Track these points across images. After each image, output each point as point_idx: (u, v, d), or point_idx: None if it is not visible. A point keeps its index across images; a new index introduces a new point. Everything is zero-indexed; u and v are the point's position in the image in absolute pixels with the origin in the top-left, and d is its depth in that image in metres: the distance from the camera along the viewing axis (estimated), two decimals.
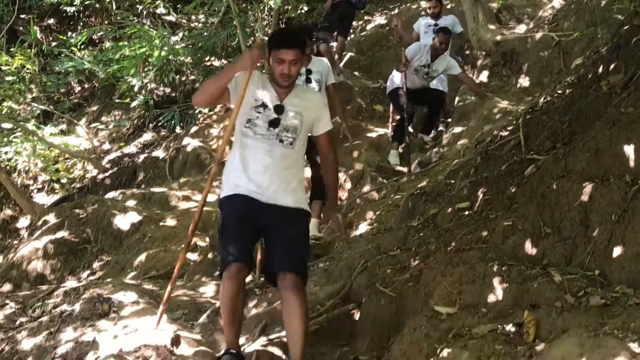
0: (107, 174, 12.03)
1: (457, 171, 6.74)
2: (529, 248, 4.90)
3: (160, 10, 15.52)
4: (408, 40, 10.94)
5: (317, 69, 7.38)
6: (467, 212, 5.77)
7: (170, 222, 8.58)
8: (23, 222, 11.12)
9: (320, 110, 4.77)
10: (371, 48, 13.47)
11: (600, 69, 5.90)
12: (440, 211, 6.09)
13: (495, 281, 4.74)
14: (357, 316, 5.50)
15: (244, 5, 15.28)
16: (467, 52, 12.34)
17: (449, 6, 13.70)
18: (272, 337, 5.50)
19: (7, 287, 7.74)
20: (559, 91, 6.41)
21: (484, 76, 11.09)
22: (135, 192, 10.06)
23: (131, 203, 9.32)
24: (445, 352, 4.28)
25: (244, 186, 4.43)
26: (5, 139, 11.98)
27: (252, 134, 4.47)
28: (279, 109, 4.52)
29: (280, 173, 4.51)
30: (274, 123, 4.47)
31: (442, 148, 9.49)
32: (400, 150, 9.52)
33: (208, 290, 6.73)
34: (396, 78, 9.90)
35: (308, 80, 7.27)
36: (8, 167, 11.81)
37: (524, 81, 10.64)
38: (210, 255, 7.29)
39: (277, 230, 4.44)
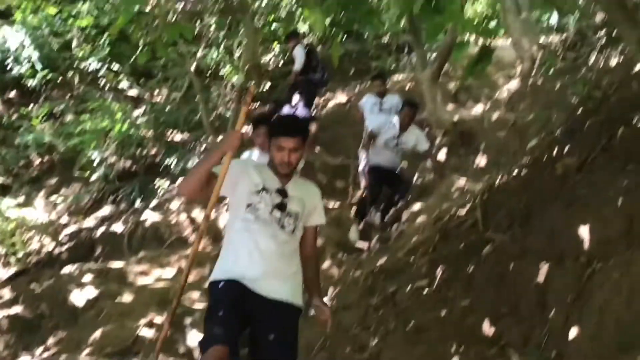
0: (64, 248, 11.84)
1: (416, 248, 6.76)
2: (487, 328, 4.92)
3: (123, 84, 15.56)
4: (358, 118, 11.14)
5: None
6: (426, 291, 5.79)
7: (128, 297, 8.46)
8: None
9: (318, 201, 4.54)
10: (332, 125, 13.60)
11: (555, 151, 6.03)
12: (399, 289, 6.10)
13: None
14: None
15: (207, 81, 15.39)
16: (426, 130, 12.52)
17: (408, 86, 13.95)
18: None
19: None
20: (516, 172, 6.51)
21: (442, 154, 11.23)
22: (93, 267, 9.92)
23: (88, 278, 9.18)
24: None
25: (240, 272, 4.15)
26: None
27: (253, 219, 4.20)
28: (282, 193, 4.30)
29: (282, 260, 4.25)
30: (280, 207, 4.25)
31: (402, 224, 9.51)
32: (361, 227, 9.49)
33: None
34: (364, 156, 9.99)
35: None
36: None
37: (481, 160, 10.78)
38: (169, 333, 7.19)
39: (267, 324, 4.12)
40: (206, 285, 4.87)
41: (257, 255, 4.15)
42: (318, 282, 4.52)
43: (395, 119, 9.46)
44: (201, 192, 4.18)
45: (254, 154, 7.26)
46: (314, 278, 4.50)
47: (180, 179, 4.95)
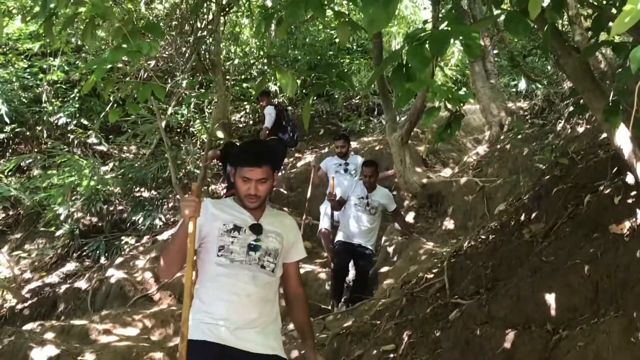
0: (26, 304, 11.68)
1: (382, 312, 6.74)
2: None
3: (92, 140, 15.54)
4: (317, 181, 11.18)
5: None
6: (392, 355, 5.75)
7: (89, 357, 8.29)
8: None
9: (296, 234, 4.18)
10: (301, 185, 13.64)
11: (522, 217, 6.08)
12: (365, 352, 6.05)
13: None
14: None
15: (176, 138, 15.43)
16: (394, 193, 12.57)
17: (377, 147, 14.05)
18: None
19: None
20: (483, 236, 6.55)
21: (410, 217, 11.26)
22: (55, 324, 9.75)
23: (49, 335, 9.01)
24: None
25: (219, 329, 3.73)
26: None
27: (228, 262, 3.79)
28: (257, 229, 3.90)
29: (264, 305, 3.87)
30: (253, 247, 3.84)
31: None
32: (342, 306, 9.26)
33: None
34: (324, 222, 10.00)
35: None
36: None
37: (449, 224, 10.83)
38: None
39: None
40: (170, 344, 4.80)
41: (237, 303, 3.77)
42: (311, 327, 4.16)
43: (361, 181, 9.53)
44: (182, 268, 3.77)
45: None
46: (306, 320, 4.15)
47: (158, 264, 4.53)
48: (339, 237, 9.59)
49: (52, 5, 4.81)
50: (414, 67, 3.62)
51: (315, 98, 15.68)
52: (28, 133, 15.33)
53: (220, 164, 13.74)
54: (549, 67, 14.61)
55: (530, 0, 3.27)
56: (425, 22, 7.20)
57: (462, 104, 4.95)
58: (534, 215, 5.91)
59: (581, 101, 6.77)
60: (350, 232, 9.39)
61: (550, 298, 4.77)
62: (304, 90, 14.27)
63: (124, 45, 4.48)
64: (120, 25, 4.51)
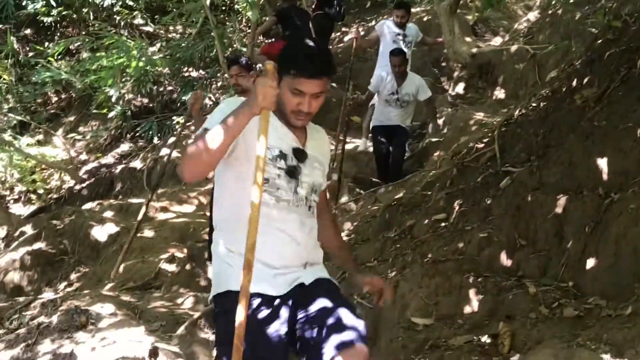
0: (84, 185, 11.94)
1: (433, 183, 6.76)
2: (504, 260, 4.94)
3: (138, 21, 15.49)
4: (365, 45, 10.95)
5: None
6: (443, 224, 5.81)
7: (148, 233, 8.54)
8: None
9: (329, 157, 3.43)
10: (347, 59, 13.49)
11: (574, 83, 5.97)
12: (416, 222, 6.12)
13: (471, 293, 4.79)
14: None
15: (222, 16, 15.28)
16: (444, 63, 12.41)
17: (425, 18, 13.78)
18: None
19: None
20: (534, 104, 6.47)
21: (460, 88, 11.17)
22: (113, 203, 10.01)
23: (108, 214, 9.27)
24: None
25: (263, 280, 2.92)
26: None
27: (273, 201, 2.95)
28: (301, 155, 3.06)
29: (313, 253, 3.15)
30: (299, 181, 3.02)
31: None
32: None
33: (186, 302, 6.71)
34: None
35: None
36: None
37: (500, 93, 10.72)
38: (188, 267, 7.27)
39: (317, 310, 2.93)
40: None
41: (284, 252, 3.01)
42: (349, 248, 3.65)
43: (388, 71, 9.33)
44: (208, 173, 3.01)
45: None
46: (345, 243, 3.53)
47: (184, 157, 2.95)
48: (374, 122, 9.56)
49: None
50: None
51: None
52: (75, 16, 15.29)
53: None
54: None
55: None
56: None
57: None
58: (586, 80, 5.80)
59: None
60: (384, 118, 9.35)
61: (602, 162, 4.76)
62: None
63: None
64: None
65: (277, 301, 2.95)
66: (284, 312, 2.95)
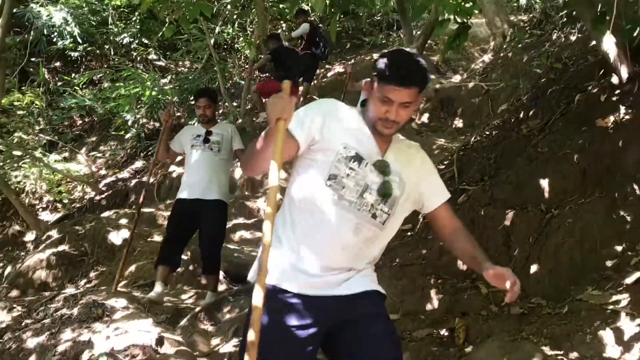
0: (103, 196, 11.86)
1: None
2: (460, 265, 4.94)
3: (152, 56, 15.47)
4: (350, 87, 10.86)
5: (219, 132, 6.12)
6: (409, 233, 5.80)
7: (157, 238, 8.47)
8: (29, 236, 10.90)
9: (431, 174, 2.81)
10: (331, 92, 13.51)
11: (521, 115, 6.02)
12: None
13: (432, 292, 4.79)
14: None
15: (224, 54, 15.28)
16: None
17: None
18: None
19: (14, 293, 7.57)
20: (487, 132, 6.50)
21: (425, 118, 11.19)
22: (127, 212, 9.92)
23: (123, 221, 9.19)
24: None
25: (298, 275, 2.52)
26: (16, 165, 11.86)
27: (335, 198, 2.52)
28: (383, 168, 2.59)
29: (358, 261, 2.61)
30: (370, 189, 2.54)
31: None
32: None
33: (188, 297, 6.69)
34: None
35: (206, 141, 6.04)
36: (17, 189, 11.61)
37: (459, 123, 10.77)
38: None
39: (362, 326, 2.53)
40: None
41: (331, 251, 2.53)
42: (482, 249, 2.71)
43: None
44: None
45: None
46: (474, 245, 2.71)
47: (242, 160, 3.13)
48: None
49: None
50: None
51: (341, 16, 15.35)
52: (97, 51, 15.27)
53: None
54: None
55: None
56: None
57: (469, 17, 4.85)
58: (531, 113, 5.85)
59: (573, 12, 6.59)
60: None
61: (544, 183, 4.79)
62: (331, 9, 14.00)
63: None
64: None
65: (312, 302, 2.48)
66: (319, 316, 2.48)
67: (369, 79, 10.75)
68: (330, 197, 2.50)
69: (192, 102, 14.50)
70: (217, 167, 6.05)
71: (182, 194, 6.09)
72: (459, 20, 4.85)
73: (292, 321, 2.45)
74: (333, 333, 2.51)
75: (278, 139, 2.31)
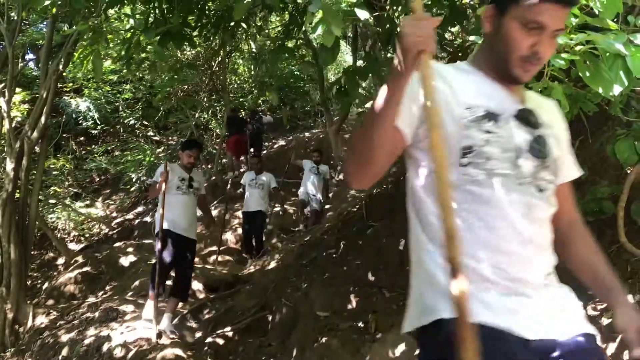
0: (114, 231, 11.53)
1: (327, 231, 6.79)
2: (370, 276, 4.97)
3: (150, 133, 15.29)
4: (293, 161, 10.33)
5: (197, 179, 5.56)
6: (334, 255, 5.82)
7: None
8: (60, 260, 10.37)
9: (567, 140, 1.43)
10: (276, 158, 13.53)
11: None
12: (318, 254, 6.10)
13: (352, 296, 4.79)
14: (270, 318, 5.41)
15: (201, 131, 15.15)
16: (332, 162, 12.54)
17: (321, 136, 13.96)
18: (218, 332, 5.35)
19: (50, 302, 7.25)
20: (384, 186, 6.61)
21: (341, 176, 11.29)
22: (133, 243, 9.63)
23: (130, 250, 8.90)
24: (323, 340, 4.26)
25: (483, 294, 1.20)
26: (51, 209, 11.56)
27: (483, 176, 1.24)
28: (530, 118, 1.31)
29: (544, 257, 1.29)
30: (526, 151, 1.27)
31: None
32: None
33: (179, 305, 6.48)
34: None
35: (190, 186, 5.41)
36: (52, 226, 11.23)
37: None
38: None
39: None
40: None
41: (510, 250, 1.23)
42: (609, 269, 1.34)
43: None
44: (382, 165, 1.35)
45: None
46: (598, 258, 1.37)
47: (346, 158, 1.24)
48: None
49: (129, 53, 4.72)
50: (349, 88, 3.64)
51: (283, 106, 15.48)
52: (111, 130, 14.95)
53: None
54: None
55: None
56: (354, 62, 7.19)
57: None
58: None
59: None
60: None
61: None
62: (280, 104, 14.15)
63: (176, 76, 4.42)
64: (174, 63, 4.44)
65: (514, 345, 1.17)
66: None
67: (295, 157, 10.60)
68: (477, 176, 1.26)
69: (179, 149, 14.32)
70: (194, 209, 5.46)
71: (168, 225, 5.20)
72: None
73: None
74: None
75: (426, 76, 1.16)
